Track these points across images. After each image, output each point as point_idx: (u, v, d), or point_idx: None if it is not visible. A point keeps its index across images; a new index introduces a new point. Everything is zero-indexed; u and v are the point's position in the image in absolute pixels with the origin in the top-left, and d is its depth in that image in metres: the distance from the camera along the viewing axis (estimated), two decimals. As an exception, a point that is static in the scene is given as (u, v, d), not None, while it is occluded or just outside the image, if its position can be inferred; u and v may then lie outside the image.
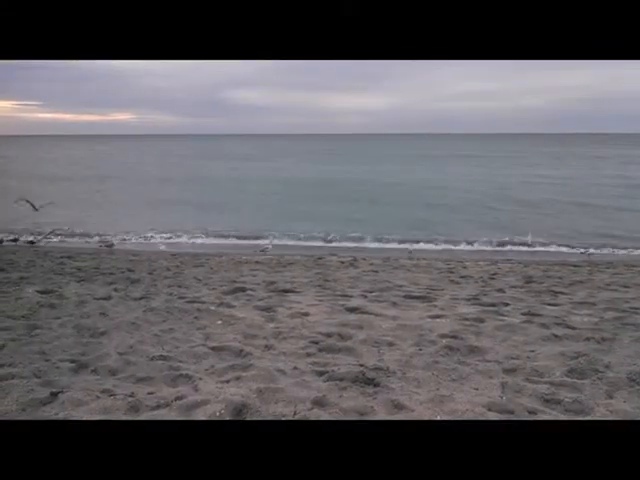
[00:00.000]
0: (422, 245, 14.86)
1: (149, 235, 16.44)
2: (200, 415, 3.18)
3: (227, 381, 3.78)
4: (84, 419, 3.19)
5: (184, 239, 16.08)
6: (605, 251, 14.07)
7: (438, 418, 3.26)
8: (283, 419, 3.24)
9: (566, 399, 3.44)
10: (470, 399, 3.48)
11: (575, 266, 10.47)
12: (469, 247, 14.91)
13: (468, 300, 6.63)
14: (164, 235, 16.45)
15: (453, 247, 14.84)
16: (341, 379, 3.76)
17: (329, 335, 4.92)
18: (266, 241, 14.64)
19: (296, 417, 3.20)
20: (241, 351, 4.43)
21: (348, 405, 3.37)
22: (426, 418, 3.24)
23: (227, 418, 3.16)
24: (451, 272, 9.41)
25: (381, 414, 3.27)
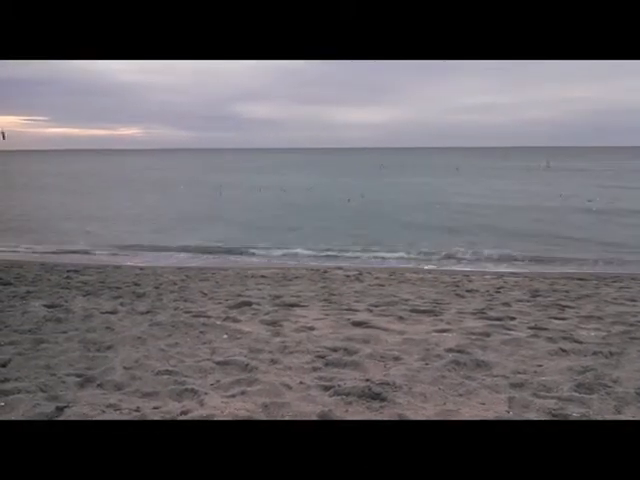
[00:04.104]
0: None
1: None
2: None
3: (233, 396, 3.77)
4: (87, 419, 3.21)
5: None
6: None
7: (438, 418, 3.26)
8: (286, 419, 3.24)
9: (574, 414, 3.41)
10: (477, 414, 3.45)
11: (581, 279, 10.41)
12: None
13: (474, 314, 6.60)
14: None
15: None
16: (347, 394, 3.74)
17: (335, 349, 4.90)
18: None
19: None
20: (247, 365, 4.42)
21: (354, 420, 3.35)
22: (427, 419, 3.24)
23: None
24: (457, 286, 9.37)
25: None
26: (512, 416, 3.42)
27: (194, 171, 69.31)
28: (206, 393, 3.79)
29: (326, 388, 3.91)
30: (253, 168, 73.08)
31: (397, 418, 3.39)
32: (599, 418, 3.30)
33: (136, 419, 3.27)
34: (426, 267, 13.16)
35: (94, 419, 3.27)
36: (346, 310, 6.83)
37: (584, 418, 3.30)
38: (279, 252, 15.75)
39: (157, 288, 8.70)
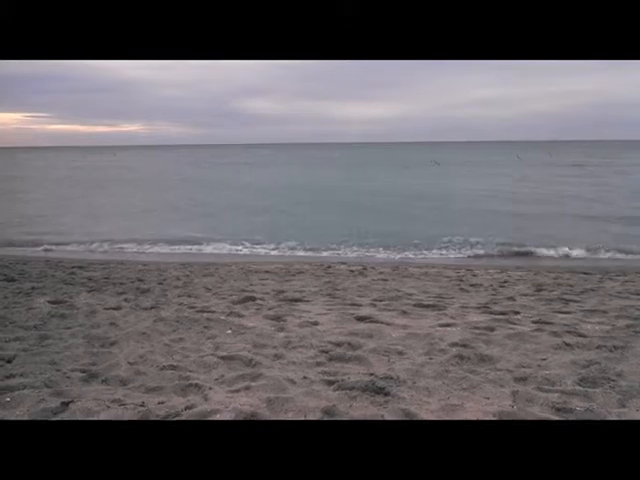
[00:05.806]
0: None
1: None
2: (210, 425, 3.18)
3: (237, 390, 3.78)
4: (89, 419, 3.22)
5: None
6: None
7: (444, 419, 3.25)
8: (289, 419, 3.25)
9: (578, 408, 3.41)
10: (481, 408, 3.45)
11: (586, 274, 10.39)
12: None
13: (478, 308, 6.60)
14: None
15: None
16: (351, 388, 3.74)
17: (339, 344, 4.90)
18: None
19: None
20: (251, 360, 4.43)
21: (358, 414, 3.36)
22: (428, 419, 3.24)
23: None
24: (461, 280, 9.37)
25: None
26: (516, 411, 3.42)
27: (173, 166, 69.38)
28: (210, 388, 3.80)
29: (330, 383, 3.92)
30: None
31: (401, 413, 3.39)
32: (606, 418, 3.28)
33: (138, 419, 3.27)
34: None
35: (96, 419, 3.27)
36: (350, 305, 6.84)
37: (591, 418, 3.28)
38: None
39: (161, 284, 8.72)
